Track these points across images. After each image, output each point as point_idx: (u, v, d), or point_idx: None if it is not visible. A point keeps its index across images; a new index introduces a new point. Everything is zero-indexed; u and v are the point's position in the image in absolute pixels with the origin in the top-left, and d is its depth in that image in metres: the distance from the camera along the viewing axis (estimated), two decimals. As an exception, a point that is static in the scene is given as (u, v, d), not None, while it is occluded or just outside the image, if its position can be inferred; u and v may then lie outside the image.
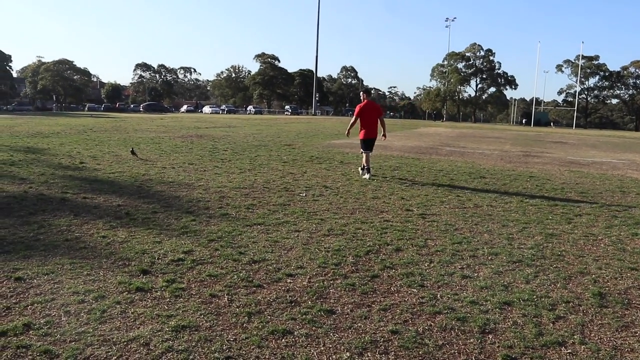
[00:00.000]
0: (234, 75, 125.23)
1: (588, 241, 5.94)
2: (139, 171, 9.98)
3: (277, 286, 4.16)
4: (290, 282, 4.26)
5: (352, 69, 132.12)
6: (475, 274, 4.62)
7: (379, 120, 10.70)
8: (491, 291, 4.21)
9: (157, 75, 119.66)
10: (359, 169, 10.91)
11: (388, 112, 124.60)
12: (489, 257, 5.14)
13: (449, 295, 4.08)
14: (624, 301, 4.10)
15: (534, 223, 6.74)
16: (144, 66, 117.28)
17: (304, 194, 8.15)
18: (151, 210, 6.69)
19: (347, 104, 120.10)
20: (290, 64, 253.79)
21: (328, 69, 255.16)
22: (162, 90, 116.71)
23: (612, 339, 3.45)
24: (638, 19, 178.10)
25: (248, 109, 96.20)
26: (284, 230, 5.89)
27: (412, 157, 15.20)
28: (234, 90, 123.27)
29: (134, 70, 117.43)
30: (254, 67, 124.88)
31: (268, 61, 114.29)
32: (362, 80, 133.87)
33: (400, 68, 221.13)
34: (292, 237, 5.61)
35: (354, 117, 10.71)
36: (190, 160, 11.98)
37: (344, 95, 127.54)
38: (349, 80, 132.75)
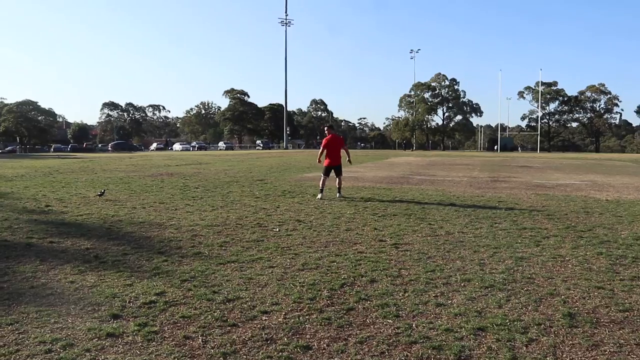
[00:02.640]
0: (203, 111, 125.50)
1: (556, 263, 6.08)
2: (108, 212, 9.81)
3: (253, 324, 4.12)
4: (265, 320, 4.22)
5: (322, 102, 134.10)
6: (449, 301, 4.66)
7: (342, 150, 12.77)
8: (465, 317, 4.25)
9: (125, 114, 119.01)
10: (319, 195, 12.25)
11: (359, 143, 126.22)
12: (462, 284, 5.21)
13: (424, 324, 4.11)
14: (592, 320, 4.19)
15: (504, 247, 6.87)
16: (111, 105, 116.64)
17: (277, 229, 8.13)
18: (121, 252, 6.57)
19: (318, 137, 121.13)
20: (260, 98, 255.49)
21: (298, 102, 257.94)
22: (130, 128, 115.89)
23: (583, 358, 3.52)
24: (591, 44, 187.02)
25: (219, 145, 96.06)
26: (258, 267, 5.85)
27: (384, 187, 15.37)
28: (204, 126, 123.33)
29: (101, 109, 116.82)
30: (224, 102, 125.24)
31: (237, 96, 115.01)
32: (332, 113, 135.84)
33: (369, 99, 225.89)
34: (267, 274, 5.58)
35: (321, 148, 12.79)
36: (161, 199, 11.85)
37: (314, 128, 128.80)
38: (319, 113, 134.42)
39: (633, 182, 18.05)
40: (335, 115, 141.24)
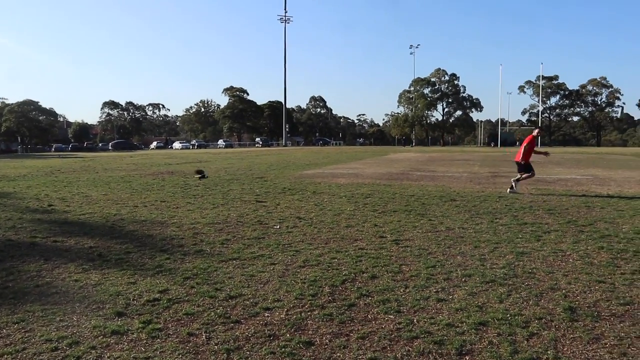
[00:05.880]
0: (203, 109, 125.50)
1: (557, 257, 6.11)
2: (110, 211, 9.85)
3: (255, 321, 4.16)
4: (267, 316, 4.26)
5: (321, 99, 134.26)
6: (450, 297, 4.70)
7: (526, 147, 12.97)
8: (466, 312, 4.28)
9: (125, 113, 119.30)
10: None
11: (358, 139, 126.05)
12: (463, 279, 5.24)
13: (426, 320, 4.14)
14: (593, 314, 4.23)
15: (504, 242, 6.90)
16: (112, 104, 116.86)
17: (277, 226, 8.17)
18: (124, 250, 6.61)
19: (317, 134, 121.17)
20: (259, 96, 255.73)
21: (297, 99, 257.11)
22: (130, 127, 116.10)
23: (584, 352, 3.55)
24: (592, 38, 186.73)
25: (218, 143, 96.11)
26: (260, 264, 5.89)
27: (384, 183, 15.39)
28: (204, 124, 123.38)
29: (102, 108, 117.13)
30: (223, 100, 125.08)
31: (237, 94, 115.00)
32: (331, 110, 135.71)
33: (368, 96, 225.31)
34: (268, 271, 5.61)
35: None
36: (163, 198, 11.89)
37: (313, 125, 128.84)
38: (318, 109, 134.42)
39: (634, 175, 18.07)
40: (334, 112, 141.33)
